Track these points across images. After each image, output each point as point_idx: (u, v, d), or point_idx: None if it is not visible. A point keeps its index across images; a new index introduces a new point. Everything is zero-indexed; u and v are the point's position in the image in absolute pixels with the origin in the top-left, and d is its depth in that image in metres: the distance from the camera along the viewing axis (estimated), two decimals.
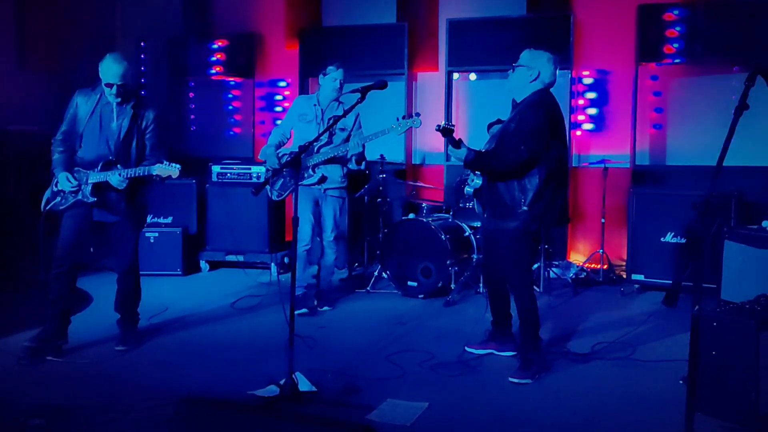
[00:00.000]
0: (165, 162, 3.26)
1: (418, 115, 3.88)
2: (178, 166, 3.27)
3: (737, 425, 2.49)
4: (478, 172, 3.31)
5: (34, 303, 4.07)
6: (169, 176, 3.26)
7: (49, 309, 3.37)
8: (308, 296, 4.27)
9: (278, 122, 4.79)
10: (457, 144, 3.16)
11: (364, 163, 4.22)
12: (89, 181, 3.31)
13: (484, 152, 3.22)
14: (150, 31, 6.25)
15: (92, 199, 3.32)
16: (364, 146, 4.10)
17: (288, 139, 4.33)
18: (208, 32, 6.39)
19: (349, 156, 4.14)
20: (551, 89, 3.23)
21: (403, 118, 3.86)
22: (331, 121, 4.14)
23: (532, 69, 3.16)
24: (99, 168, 3.31)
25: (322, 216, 4.27)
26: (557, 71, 3.23)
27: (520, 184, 3.10)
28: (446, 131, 3.15)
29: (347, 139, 4.14)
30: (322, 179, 4.11)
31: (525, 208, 3.09)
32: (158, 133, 3.45)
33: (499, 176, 3.16)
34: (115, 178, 3.26)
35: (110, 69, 3.26)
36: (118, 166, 3.31)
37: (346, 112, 3.36)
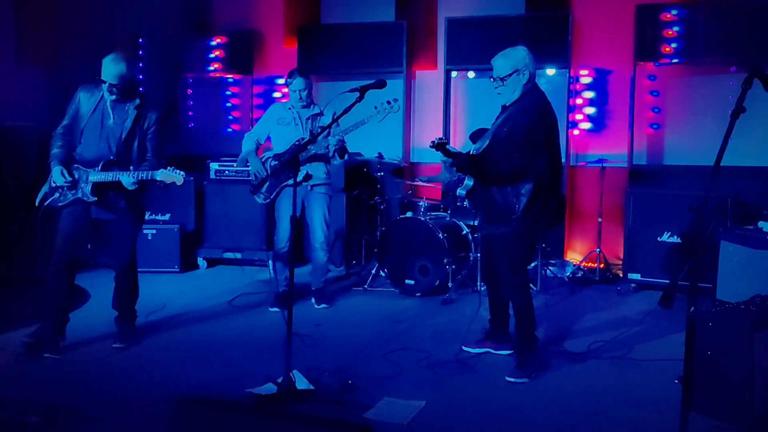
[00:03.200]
0: (170, 168, 3.26)
1: (396, 101, 3.84)
2: (182, 173, 3.27)
3: (732, 425, 2.51)
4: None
5: (31, 300, 4.06)
6: (173, 183, 3.26)
7: (46, 306, 3.37)
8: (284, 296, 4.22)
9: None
10: (453, 155, 3.11)
11: (347, 155, 4.19)
12: (90, 180, 3.30)
13: (477, 157, 3.14)
14: (148, 27, 6.22)
15: (93, 199, 3.31)
16: (344, 139, 4.06)
17: (262, 144, 4.34)
18: (206, 29, 6.37)
19: (331, 153, 4.11)
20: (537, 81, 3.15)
21: (381, 105, 3.83)
22: (309, 122, 4.17)
23: (522, 72, 3.07)
24: (100, 168, 3.31)
25: (310, 217, 4.26)
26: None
27: (514, 189, 3.05)
28: (441, 146, 3.06)
29: (327, 136, 4.14)
30: (307, 177, 4.09)
31: (519, 214, 3.05)
32: (160, 135, 3.45)
33: (492, 181, 3.11)
34: (127, 179, 3.26)
35: (107, 67, 3.27)
36: (131, 168, 3.31)
37: (345, 111, 3.33)
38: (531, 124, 3.02)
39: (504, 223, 3.09)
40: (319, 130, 4.09)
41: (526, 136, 3.00)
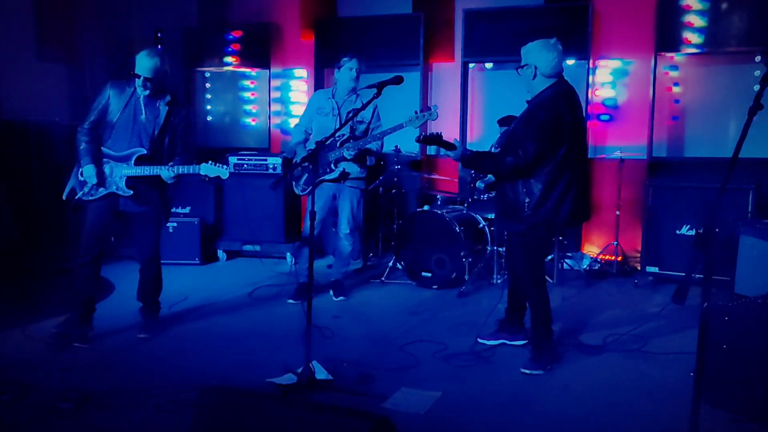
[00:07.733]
0: (210, 162, 3.32)
1: (435, 106, 3.90)
2: (226, 167, 3.34)
3: (746, 418, 2.51)
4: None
5: (60, 291, 4.19)
6: (218, 177, 3.32)
7: (74, 297, 3.47)
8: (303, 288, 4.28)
9: (291, 122, 4.85)
10: (450, 146, 3.12)
11: (371, 158, 4.27)
12: (124, 174, 3.36)
13: (480, 153, 3.14)
14: (166, 21, 6.30)
15: (129, 192, 3.37)
16: (382, 143, 4.16)
17: (311, 134, 4.38)
18: (224, 22, 6.43)
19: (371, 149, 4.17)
20: (564, 75, 3.08)
21: (420, 111, 3.89)
22: (350, 115, 4.19)
23: (528, 66, 3.05)
24: (133, 162, 3.37)
25: (338, 207, 4.33)
26: (561, 56, 3.01)
27: (526, 186, 3.02)
28: (430, 140, 3.10)
29: (366, 131, 4.21)
30: (343, 175, 4.17)
31: (529, 211, 3.02)
32: (189, 131, 3.51)
33: (501, 178, 3.11)
34: (166, 173, 3.32)
35: (141, 62, 3.32)
36: (171, 163, 3.37)
37: (363, 106, 3.40)
38: (541, 121, 2.97)
39: (515, 219, 3.08)
40: (356, 124, 4.17)
41: (535, 132, 2.96)
